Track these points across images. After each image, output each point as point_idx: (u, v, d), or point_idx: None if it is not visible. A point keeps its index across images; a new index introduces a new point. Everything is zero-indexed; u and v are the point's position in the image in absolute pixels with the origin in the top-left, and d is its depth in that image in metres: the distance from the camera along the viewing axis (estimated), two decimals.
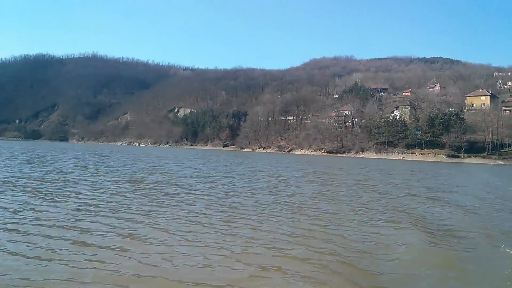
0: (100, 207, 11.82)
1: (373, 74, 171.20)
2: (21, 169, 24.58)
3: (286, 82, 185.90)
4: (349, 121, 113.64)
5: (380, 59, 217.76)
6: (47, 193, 14.15)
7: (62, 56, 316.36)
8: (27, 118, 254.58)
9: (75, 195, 14.05)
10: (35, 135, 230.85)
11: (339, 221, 11.11)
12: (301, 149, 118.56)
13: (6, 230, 8.51)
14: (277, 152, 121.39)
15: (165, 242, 8.09)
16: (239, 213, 11.65)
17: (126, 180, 20.38)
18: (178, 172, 27.42)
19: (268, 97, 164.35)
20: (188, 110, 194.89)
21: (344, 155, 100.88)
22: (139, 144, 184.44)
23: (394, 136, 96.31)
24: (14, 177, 19.63)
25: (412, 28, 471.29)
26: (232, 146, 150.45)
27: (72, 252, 7.10)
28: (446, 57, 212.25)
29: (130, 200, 13.58)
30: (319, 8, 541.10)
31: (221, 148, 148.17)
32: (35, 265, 6.43)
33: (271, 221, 10.67)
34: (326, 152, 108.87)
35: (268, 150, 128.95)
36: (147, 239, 8.29)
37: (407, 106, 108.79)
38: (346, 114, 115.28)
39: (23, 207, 11.23)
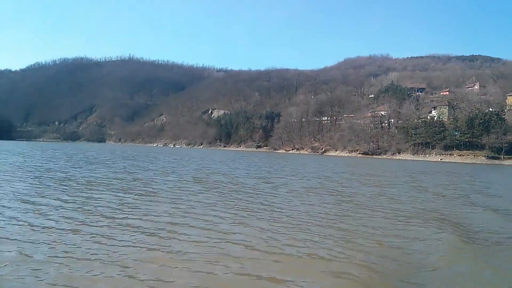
0: (194, 202, 13.34)
1: (410, 73, 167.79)
2: (90, 170, 26.63)
3: (320, 82, 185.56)
4: (385, 121, 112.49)
5: (417, 57, 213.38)
6: (134, 191, 15.77)
7: (100, 59, 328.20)
8: (66, 120, 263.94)
9: (160, 193, 15.64)
10: (74, 137, 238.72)
11: (411, 218, 12.09)
12: (336, 150, 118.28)
13: (132, 225, 9.99)
14: (311, 153, 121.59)
15: (277, 230, 9.44)
16: (317, 210, 12.80)
17: (191, 180, 21.94)
18: (232, 173, 28.90)
19: (301, 97, 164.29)
20: (221, 112, 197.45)
21: (380, 157, 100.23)
22: (174, 145, 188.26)
23: (432, 137, 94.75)
24: (90, 177, 21.55)
25: (450, 25, 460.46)
26: (265, 147, 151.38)
27: (213, 238, 8.51)
28: (486, 55, 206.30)
29: (211, 196, 15.11)
30: (353, 7, 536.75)
31: (254, 149, 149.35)
32: (194, 245, 7.89)
33: (350, 217, 11.79)
34: (361, 153, 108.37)
35: (302, 152, 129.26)
36: (254, 226, 9.70)
37: (445, 106, 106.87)
38: (382, 114, 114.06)
39: (123, 202, 12.78)
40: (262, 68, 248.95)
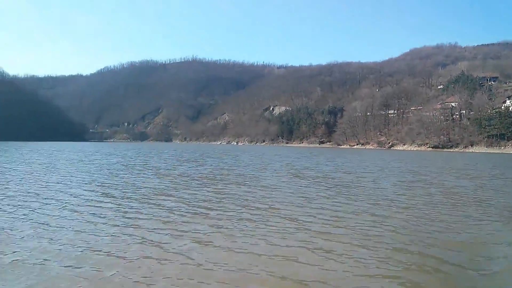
0: (314, 195, 15.03)
1: (481, 61, 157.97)
2: (192, 167, 29.36)
3: (384, 74, 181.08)
4: (456, 113, 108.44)
5: (487, 45, 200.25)
6: (254, 185, 17.74)
7: (165, 61, 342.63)
8: (134, 121, 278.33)
9: (280, 186, 17.52)
10: (142, 137, 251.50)
11: None
12: (404, 144, 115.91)
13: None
14: (377, 148, 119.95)
15: (414, 215, 10.81)
16: (435, 200, 14.00)
17: (289, 175, 23.70)
18: (318, 168, 30.47)
19: (365, 91, 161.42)
20: (283, 108, 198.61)
21: (452, 150, 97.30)
22: (237, 142, 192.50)
23: (508, 129, 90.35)
24: (200, 173, 24.03)
25: None
26: (328, 143, 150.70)
27: (367, 222, 10.14)
28: None
29: (322, 189, 16.68)
30: None
31: (317, 145, 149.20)
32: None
33: (470, 206, 12.95)
34: (431, 147, 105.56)
35: (367, 146, 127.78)
36: (390, 216, 11.08)
37: None
38: (452, 106, 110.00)
39: (260, 195, 14.72)
40: (324, 63, 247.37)
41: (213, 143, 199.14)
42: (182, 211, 10.90)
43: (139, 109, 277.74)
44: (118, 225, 9.09)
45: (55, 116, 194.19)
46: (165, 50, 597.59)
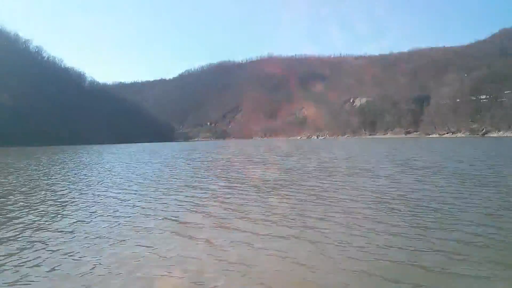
0: None
1: None
2: (295, 161, 30.52)
3: (473, 58, 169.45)
4: None
5: None
6: (370, 175, 18.36)
7: (242, 60, 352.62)
8: (216, 120, 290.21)
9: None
10: (224, 135, 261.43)
11: None
12: (498, 131, 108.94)
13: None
14: (469, 136, 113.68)
15: None
16: None
17: (404, 166, 23.87)
18: (424, 159, 30.09)
19: (453, 76, 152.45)
20: (364, 99, 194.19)
21: None
22: (317, 136, 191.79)
23: None
24: (312, 167, 25.06)
25: None
26: (415, 133, 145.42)
27: None
28: None
29: None
30: None
31: (403, 135, 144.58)
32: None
33: None
34: None
35: (458, 135, 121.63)
36: None
37: None
38: None
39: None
40: (406, 49, 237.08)
41: (292, 138, 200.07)
42: (332, 197, 11.96)
43: (220, 108, 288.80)
44: (296, 207, 10.41)
45: (144, 118, 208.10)
46: (241, 50, 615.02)
